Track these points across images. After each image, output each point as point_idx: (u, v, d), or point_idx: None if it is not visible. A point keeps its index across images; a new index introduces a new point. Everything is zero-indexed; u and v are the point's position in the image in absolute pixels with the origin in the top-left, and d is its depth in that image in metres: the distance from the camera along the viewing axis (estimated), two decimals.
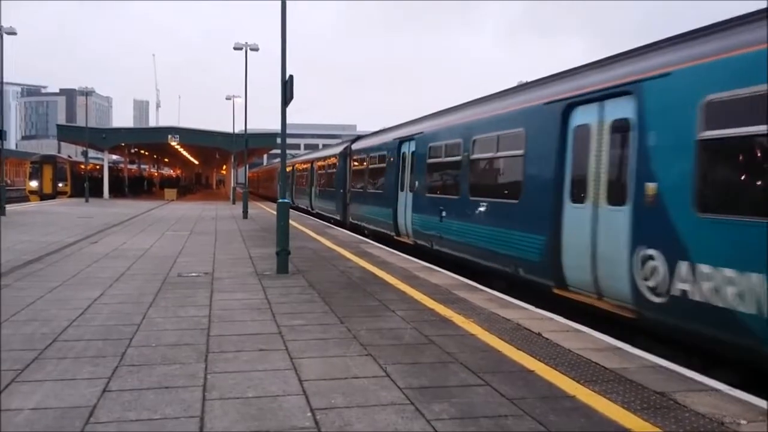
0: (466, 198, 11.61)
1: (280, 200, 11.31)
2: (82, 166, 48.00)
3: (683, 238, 6.23)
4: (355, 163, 21.81)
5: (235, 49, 32.94)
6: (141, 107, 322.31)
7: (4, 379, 4.92)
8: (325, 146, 43.16)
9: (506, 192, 10.33)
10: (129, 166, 61.83)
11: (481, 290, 9.29)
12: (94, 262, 11.83)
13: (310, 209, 31.57)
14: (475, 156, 11.47)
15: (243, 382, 4.93)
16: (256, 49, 33.27)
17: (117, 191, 50.77)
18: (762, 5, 6.09)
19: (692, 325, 6.16)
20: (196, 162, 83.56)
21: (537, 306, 8.14)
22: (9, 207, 26.77)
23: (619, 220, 7.22)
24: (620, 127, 7.46)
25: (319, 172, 29.55)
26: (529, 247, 9.15)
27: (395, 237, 16.22)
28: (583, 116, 8.22)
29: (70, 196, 46.22)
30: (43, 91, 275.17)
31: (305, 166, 34.59)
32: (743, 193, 5.97)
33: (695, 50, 6.51)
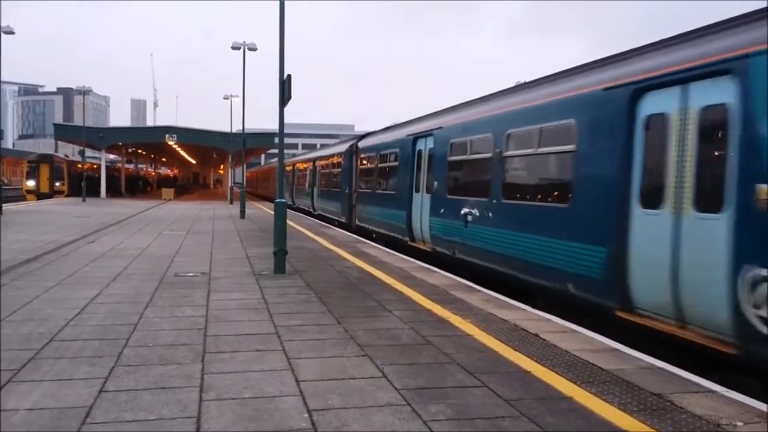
0: (497, 201, 10.21)
1: (277, 200, 11.30)
2: (79, 166, 47.93)
3: None
4: (363, 162, 20.34)
5: (233, 48, 32.99)
6: (138, 107, 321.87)
7: (2, 378, 4.90)
8: (323, 146, 42.90)
9: (551, 194, 8.94)
10: (126, 166, 61.69)
11: (479, 291, 9.29)
12: (91, 261, 11.81)
13: (311, 210, 30.29)
14: (509, 153, 10.01)
15: (240, 382, 4.92)
16: (254, 49, 33.30)
17: (113, 191, 50.67)
18: None
19: None
20: (194, 161, 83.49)
21: (534, 307, 8.15)
22: (6, 206, 26.71)
23: (713, 230, 5.92)
24: (714, 115, 6.13)
25: (322, 171, 28.02)
26: (583, 260, 7.81)
27: (409, 242, 14.85)
28: (657, 103, 6.85)
29: (67, 196, 46.16)
30: (41, 90, 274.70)
31: (307, 165, 33.06)
32: None
33: None
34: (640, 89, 7.05)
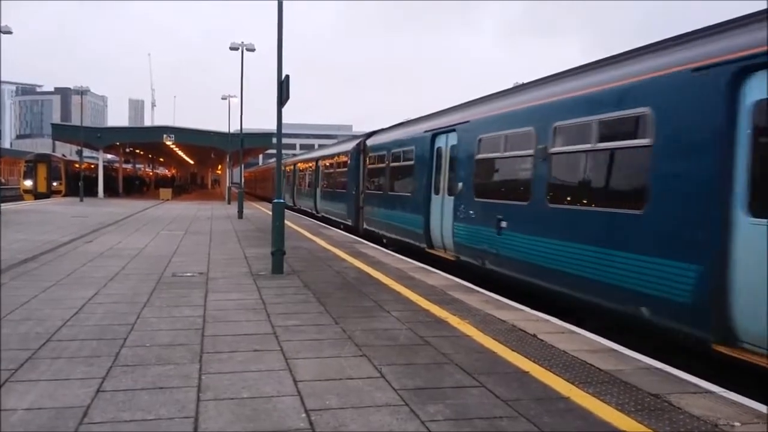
0: (541, 204, 8.81)
1: (275, 200, 11.29)
2: (77, 165, 47.87)
3: None
4: (372, 161, 18.88)
5: (231, 49, 32.96)
6: (136, 107, 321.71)
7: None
8: (321, 146, 42.79)
9: (616, 198, 7.49)
10: (124, 166, 61.64)
11: (477, 291, 9.30)
12: (89, 261, 11.79)
13: (314, 212, 28.76)
14: (557, 149, 8.62)
15: (237, 382, 4.92)
16: (253, 50, 33.29)
17: (111, 191, 50.63)
18: None
19: None
20: (192, 162, 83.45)
21: (532, 308, 8.15)
22: (3, 206, 26.66)
23: None
24: None
25: (326, 171, 26.48)
26: (663, 279, 6.48)
27: (427, 250, 13.51)
28: None
29: (65, 195, 46.10)
30: (38, 89, 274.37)
31: (309, 165, 31.40)
32: None
33: None
34: (747, 68, 5.77)
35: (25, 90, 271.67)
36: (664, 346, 6.62)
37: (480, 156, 11.11)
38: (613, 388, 4.96)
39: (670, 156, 6.60)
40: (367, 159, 19.40)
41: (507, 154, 10.23)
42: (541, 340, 6.42)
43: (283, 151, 13.22)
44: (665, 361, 5.75)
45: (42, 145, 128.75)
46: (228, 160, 46.58)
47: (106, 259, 12.11)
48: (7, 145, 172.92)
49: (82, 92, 46.81)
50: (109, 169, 56.86)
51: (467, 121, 11.87)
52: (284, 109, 11.41)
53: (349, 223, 21.13)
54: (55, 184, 47.60)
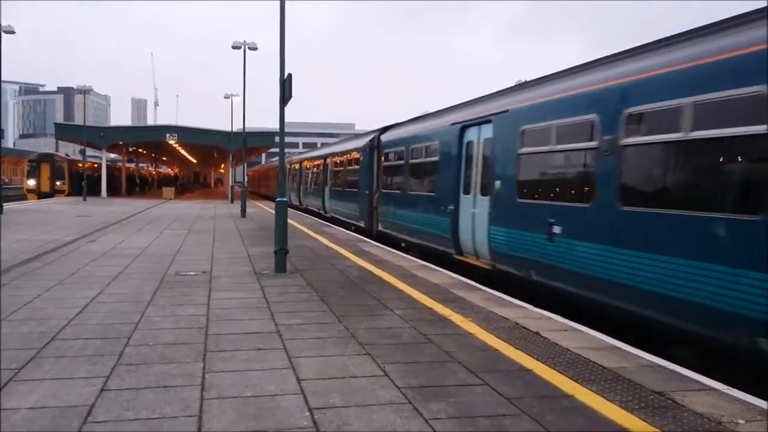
0: (610, 207, 7.40)
1: (278, 199, 11.30)
2: (80, 165, 47.95)
3: None
4: (387, 158, 17.48)
5: (233, 48, 32.95)
6: (139, 106, 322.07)
7: (2, 378, 4.91)
8: (324, 145, 42.64)
9: (725, 200, 5.96)
10: (127, 165, 61.73)
11: (480, 289, 9.29)
12: (92, 260, 11.81)
13: (322, 212, 27.18)
14: (631, 140, 7.19)
15: (241, 381, 4.92)
16: (255, 49, 33.28)
17: (114, 190, 50.72)
18: None
19: None
20: (194, 161, 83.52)
21: (535, 305, 8.14)
22: (6, 205, 26.72)
23: None
24: None
25: (336, 169, 24.78)
26: None
27: (455, 256, 12.14)
28: None
29: (68, 195, 46.20)
30: (41, 89, 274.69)
31: (317, 163, 29.71)
32: None
33: None
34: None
35: (28, 89, 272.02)
36: (664, 345, 6.61)
37: (524, 150, 9.63)
38: (617, 385, 4.95)
39: None
40: (383, 156, 18.02)
41: (560, 147, 8.78)
42: (544, 338, 6.42)
43: (286, 150, 13.23)
44: (668, 359, 5.75)
45: (45, 145, 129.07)
46: (231, 159, 46.64)
47: (109, 259, 12.13)
48: (10, 144, 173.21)
49: (85, 91, 46.96)
50: (112, 168, 56.99)
51: (506, 111, 10.40)
52: (287, 108, 11.42)
53: (362, 225, 19.67)
54: (58, 183, 47.73)
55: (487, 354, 5.82)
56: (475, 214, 11.29)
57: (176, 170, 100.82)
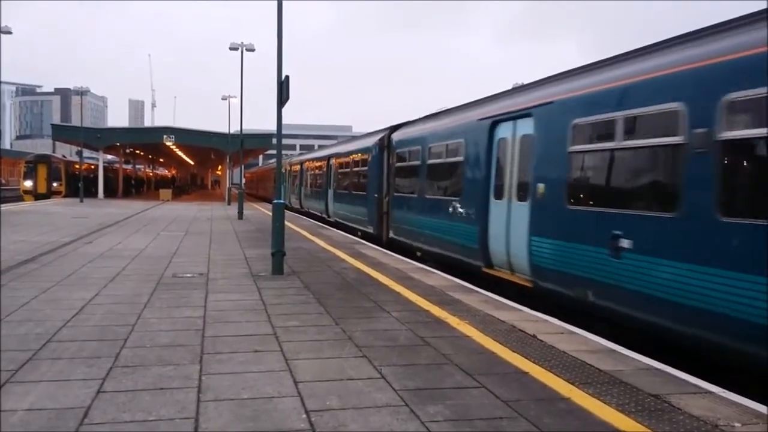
0: (707, 219, 6.01)
1: (275, 201, 11.30)
2: (77, 166, 47.87)
3: None
4: (400, 159, 16.09)
5: (231, 49, 32.99)
6: (136, 107, 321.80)
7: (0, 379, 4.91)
8: (320, 147, 42.51)
9: None
10: (124, 166, 61.66)
11: (476, 292, 9.30)
12: (89, 262, 11.79)
13: (325, 217, 25.71)
14: (738, 133, 5.81)
15: (238, 383, 4.92)
16: (252, 50, 33.34)
17: (111, 192, 50.65)
18: None
19: None
20: (192, 162, 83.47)
21: (532, 308, 8.15)
22: (3, 207, 26.67)
23: None
24: None
25: (340, 171, 23.31)
26: None
27: (484, 269, 10.75)
28: None
29: (65, 196, 46.12)
30: (38, 90, 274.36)
31: (319, 164, 28.11)
32: None
33: None
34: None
35: (25, 90, 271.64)
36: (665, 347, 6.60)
37: (577, 148, 8.26)
38: (614, 388, 4.97)
39: None
40: (394, 156, 16.60)
41: (629, 143, 7.31)
42: (541, 341, 6.43)
43: (284, 152, 13.23)
44: (664, 362, 5.76)
45: (42, 146, 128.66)
46: (228, 160, 46.62)
47: (106, 260, 12.11)
48: (7, 145, 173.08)
49: (82, 93, 46.84)
50: (109, 169, 56.93)
51: (550, 102, 9.03)
52: (284, 110, 11.43)
53: (370, 231, 18.21)
54: (55, 184, 47.62)
55: (483, 356, 5.83)
56: (509, 222, 9.92)
57: (173, 172, 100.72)
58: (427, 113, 16.21)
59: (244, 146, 35.83)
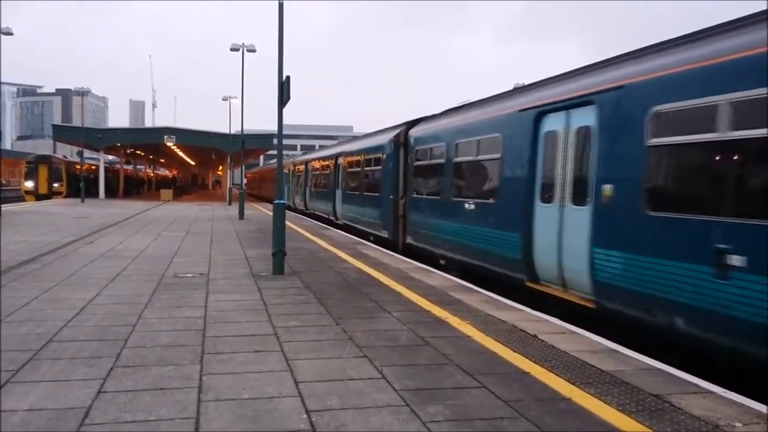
0: None
1: (276, 201, 11.30)
2: (78, 167, 47.89)
3: None
4: (419, 157, 14.73)
5: (232, 50, 33.03)
6: (137, 108, 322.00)
7: (0, 379, 4.91)
8: (321, 146, 42.36)
9: None
10: (125, 167, 61.70)
11: (477, 292, 9.29)
12: (90, 262, 11.79)
13: (333, 219, 24.14)
14: None
15: (238, 383, 4.92)
16: (253, 51, 33.38)
17: (112, 192, 50.67)
18: None
19: None
20: (193, 163, 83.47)
21: (533, 308, 8.15)
22: (4, 207, 26.68)
23: None
24: None
25: (349, 170, 21.80)
26: None
27: (527, 283, 9.42)
28: None
29: (66, 197, 46.14)
30: (39, 91, 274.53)
31: (326, 163, 26.52)
32: None
33: None
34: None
35: (26, 91, 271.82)
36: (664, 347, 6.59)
37: (659, 141, 6.80)
38: (614, 388, 4.96)
39: None
40: (413, 154, 15.18)
41: (738, 135, 5.79)
42: (542, 341, 6.42)
43: (285, 152, 13.22)
44: (665, 362, 5.75)
45: (43, 147, 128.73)
46: (229, 161, 46.62)
47: (107, 260, 12.12)
48: (8, 146, 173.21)
49: (83, 93, 46.92)
50: (110, 170, 56.95)
51: (619, 87, 7.60)
52: (285, 110, 11.44)
53: (384, 235, 16.77)
54: (56, 185, 47.65)
55: (484, 356, 5.83)
56: (562, 229, 8.58)
57: (174, 172, 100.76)
58: (448, 107, 14.79)
59: (244, 146, 35.84)
